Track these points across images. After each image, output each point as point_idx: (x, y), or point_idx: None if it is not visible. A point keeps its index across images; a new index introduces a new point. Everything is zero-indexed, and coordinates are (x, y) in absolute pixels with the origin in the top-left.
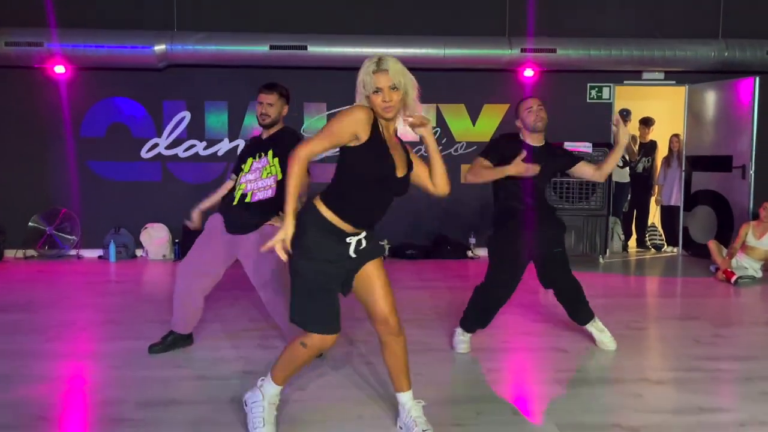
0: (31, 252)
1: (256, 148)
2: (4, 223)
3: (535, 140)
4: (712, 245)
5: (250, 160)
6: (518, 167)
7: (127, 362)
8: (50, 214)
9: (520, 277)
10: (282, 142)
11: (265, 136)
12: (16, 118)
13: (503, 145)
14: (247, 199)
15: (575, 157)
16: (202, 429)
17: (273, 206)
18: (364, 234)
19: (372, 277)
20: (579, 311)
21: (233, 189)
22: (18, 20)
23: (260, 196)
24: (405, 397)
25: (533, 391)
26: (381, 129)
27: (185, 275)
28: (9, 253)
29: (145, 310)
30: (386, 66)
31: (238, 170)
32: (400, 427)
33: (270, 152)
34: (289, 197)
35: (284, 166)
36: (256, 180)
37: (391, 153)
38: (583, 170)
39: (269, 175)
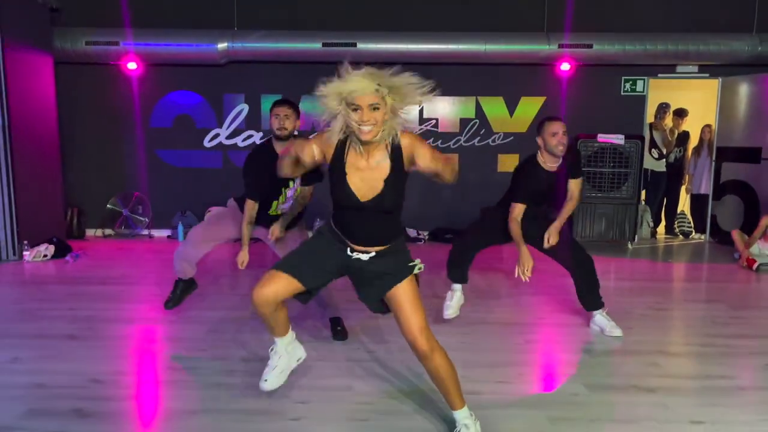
0: (108, 231)
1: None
2: (84, 203)
3: (551, 161)
4: (736, 235)
5: (284, 191)
6: (520, 264)
7: (222, 326)
8: (125, 197)
9: (489, 239)
10: None
11: None
12: (94, 110)
13: (527, 182)
14: (279, 213)
15: (573, 172)
16: None
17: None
18: (373, 254)
19: (398, 299)
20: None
21: (264, 205)
22: (96, 21)
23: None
24: (457, 416)
25: (564, 359)
26: (345, 152)
27: (194, 243)
28: (90, 231)
29: (223, 283)
30: (367, 81)
31: (257, 194)
32: None
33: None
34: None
35: (308, 177)
36: (288, 202)
37: (348, 180)
38: (571, 187)
39: (296, 195)
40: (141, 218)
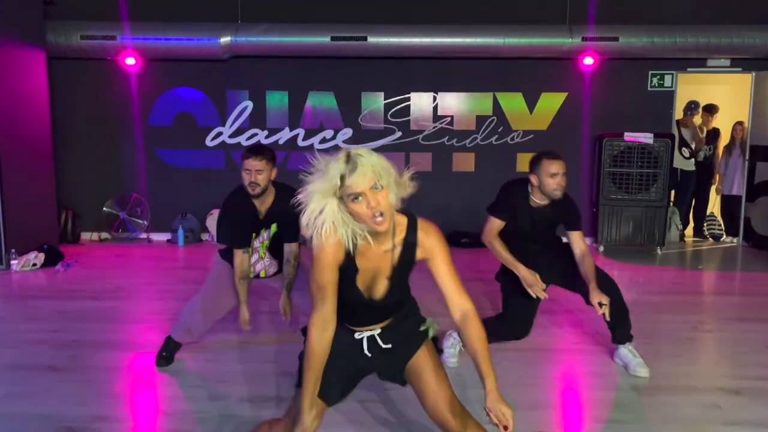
0: (105, 235)
1: (257, 226)
2: (79, 206)
3: (540, 198)
4: None
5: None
6: (528, 286)
7: (223, 355)
8: (122, 199)
9: (535, 306)
10: (283, 216)
11: (262, 209)
12: (91, 108)
13: (513, 202)
14: (262, 275)
15: (572, 223)
16: None
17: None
18: (378, 331)
19: (417, 372)
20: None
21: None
22: (92, 14)
23: (271, 271)
24: None
25: (610, 397)
26: (353, 254)
27: (207, 313)
28: (85, 236)
29: None
30: (359, 163)
31: (240, 242)
32: None
33: (273, 226)
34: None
35: (289, 234)
36: (258, 261)
37: (357, 278)
38: (574, 241)
39: (265, 252)
40: (139, 221)
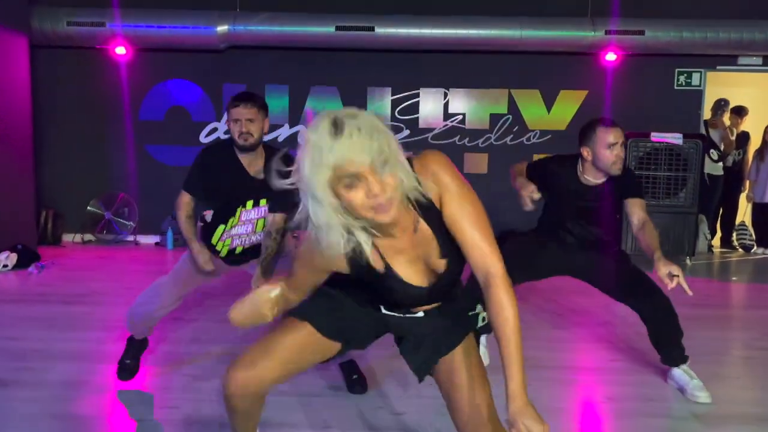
0: (88, 236)
1: (247, 189)
2: (61, 205)
3: (592, 175)
4: None
5: (239, 209)
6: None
7: (205, 370)
8: (108, 199)
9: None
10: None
11: (254, 171)
12: (76, 100)
13: (550, 172)
14: (238, 251)
15: (633, 191)
16: None
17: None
18: (421, 314)
19: (453, 369)
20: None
21: (209, 234)
22: None
23: (253, 242)
24: None
25: (665, 426)
26: (363, 254)
27: (164, 301)
28: (67, 237)
29: (210, 306)
30: (350, 127)
31: (192, 186)
32: None
33: (264, 201)
34: None
35: (277, 202)
36: (249, 235)
37: (401, 274)
38: (632, 210)
39: (262, 228)
40: (126, 222)
